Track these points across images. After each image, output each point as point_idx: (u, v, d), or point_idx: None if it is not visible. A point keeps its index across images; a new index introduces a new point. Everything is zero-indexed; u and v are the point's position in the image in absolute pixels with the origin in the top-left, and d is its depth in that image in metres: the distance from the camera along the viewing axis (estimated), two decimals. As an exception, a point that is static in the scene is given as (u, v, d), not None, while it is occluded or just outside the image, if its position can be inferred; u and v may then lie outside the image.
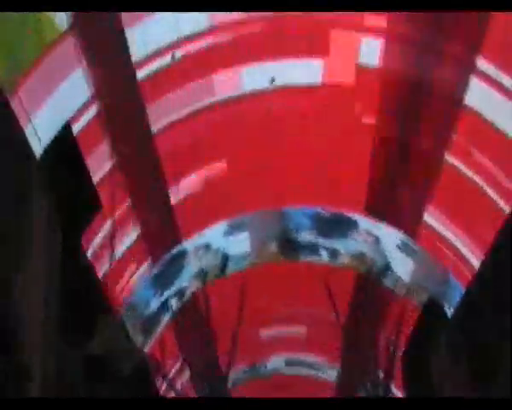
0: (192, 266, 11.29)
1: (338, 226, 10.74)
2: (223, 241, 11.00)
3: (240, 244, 11.25)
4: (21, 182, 6.89)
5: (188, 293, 11.77)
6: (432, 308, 10.37)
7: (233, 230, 10.86)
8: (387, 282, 11.21)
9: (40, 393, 6.29)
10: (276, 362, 15.58)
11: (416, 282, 10.63)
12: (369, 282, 11.40)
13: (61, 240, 7.46)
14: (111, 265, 7.55)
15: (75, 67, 7.06)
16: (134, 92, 7.98)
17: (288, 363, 15.63)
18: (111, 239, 7.97)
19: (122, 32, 7.16)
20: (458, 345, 10.06)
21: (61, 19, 6.57)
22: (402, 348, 11.25)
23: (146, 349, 10.83)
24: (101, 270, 8.41)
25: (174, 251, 10.70)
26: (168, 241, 10.61)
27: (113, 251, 7.89)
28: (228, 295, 12.11)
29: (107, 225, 8.31)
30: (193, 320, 12.47)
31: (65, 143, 7.25)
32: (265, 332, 14.01)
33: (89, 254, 8.32)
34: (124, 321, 7.17)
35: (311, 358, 15.23)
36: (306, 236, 11.19)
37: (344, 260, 11.41)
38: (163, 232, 10.44)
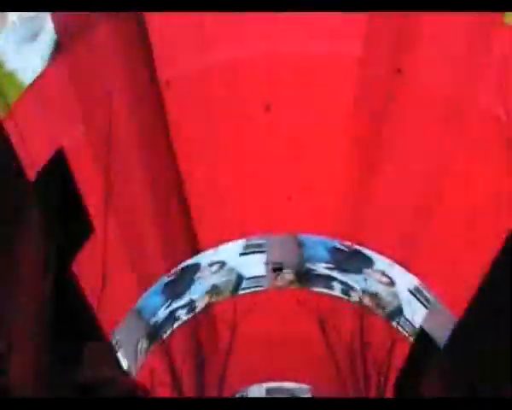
0: (205, 281, 11.22)
1: (354, 262, 10.72)
2: (239, 260, 10.95)
3: (256, 267, 11.22)
4: (16, 202, 6.87)
5: (197, 307, 11.68)
6: (423, 338, 10.33)
7: (250, 250, 10.84)
8: (395, 322, 11.17)
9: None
10: (256, 391, 15.42)
11: (425, 327, 10.52)
12: (363, 315, 11.36)
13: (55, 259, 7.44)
14: (102, 289, 7.47)
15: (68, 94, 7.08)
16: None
17: (269, 392, 15.45)
18: (103, 263, 7.89)
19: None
20: (449, 372, 10.03)
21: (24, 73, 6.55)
22: (392, 378, 11.16)
23: (148, 356, 10.74)
24: (93, 295, 8.34)
25: (188, 263, 10.63)
26: (183, 252, 10.57)
27: (104, 275, 7.81)
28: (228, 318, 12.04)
29: (99, 249, 8.21)
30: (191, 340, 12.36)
31: (58, 168, 7.22)
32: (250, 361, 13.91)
33: (80, 278, 8.27)
34: (113, 347, 7.08)
35: (293, 385, 15.09)
36: (323, 267, 11.19)
37: (356, 296, 11.43)
38: (178, 243, 10.41)
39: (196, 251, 10.44)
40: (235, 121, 8.74)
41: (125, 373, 6.72)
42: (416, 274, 10.08)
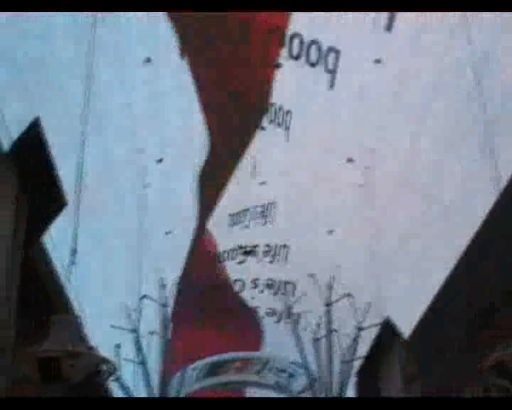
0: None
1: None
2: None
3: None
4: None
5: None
6: (388, 329, 10.43)
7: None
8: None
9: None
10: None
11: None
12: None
13: (25, 232, 7.33)
14: (72, 262, 7.35)
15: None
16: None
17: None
18: (74, 236, 7.76)
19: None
20: (411, 365, 10.18)
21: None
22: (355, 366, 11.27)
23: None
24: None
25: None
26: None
27: (75, 248, 7.67)
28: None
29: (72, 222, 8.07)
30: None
31: (33, 138, 7.08)
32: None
33: (50, 250, 8.18)
34: (80, 321, 7.01)
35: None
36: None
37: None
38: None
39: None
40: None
41: (91, 347, 6.65)
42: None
